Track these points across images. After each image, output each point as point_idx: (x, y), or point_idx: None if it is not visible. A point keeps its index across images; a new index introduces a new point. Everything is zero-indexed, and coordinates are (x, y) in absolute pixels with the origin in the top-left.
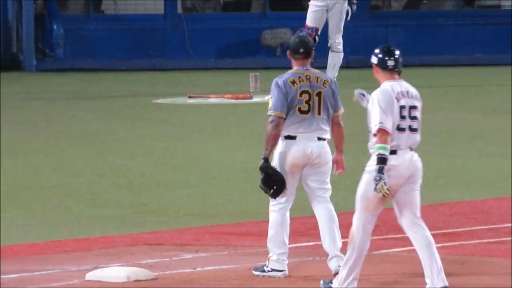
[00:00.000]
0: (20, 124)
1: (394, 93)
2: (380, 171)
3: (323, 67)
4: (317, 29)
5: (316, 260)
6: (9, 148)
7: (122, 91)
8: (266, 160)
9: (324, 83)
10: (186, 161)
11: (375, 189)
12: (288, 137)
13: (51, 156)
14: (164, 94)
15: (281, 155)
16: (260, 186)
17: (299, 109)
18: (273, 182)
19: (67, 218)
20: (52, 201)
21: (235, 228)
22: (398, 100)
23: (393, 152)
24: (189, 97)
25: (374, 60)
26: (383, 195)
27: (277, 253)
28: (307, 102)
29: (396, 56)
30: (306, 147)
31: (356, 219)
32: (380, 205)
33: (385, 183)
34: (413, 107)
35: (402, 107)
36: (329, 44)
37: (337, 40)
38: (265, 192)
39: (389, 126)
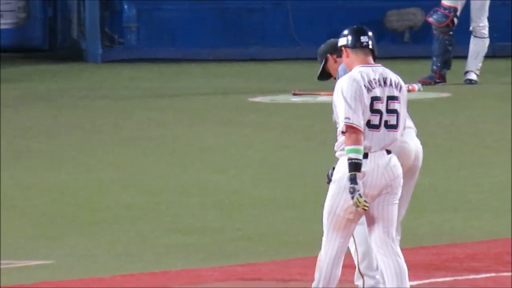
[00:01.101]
0: (82, 129)
1: (363, 80)
2: (353, 180)
3: (464, 56)
4: (455, 9)
5: None
6: (68, 159)
7: (210, 87)
8: None
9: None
10: (290, 175)
11: (354, 203)
12: None
13: (120, 170)
14: (263, 90)
15: None
16: None
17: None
18: None
19: (141, 246)
20: (122, 225)
21: (350, 259)
22: (369, 89)
23: (363, 155)
24: (294, 94)
25: (342, 41)
26: (363, 209)
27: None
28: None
29: (370, 35)
30: None
31: (324, 242)
32: (352, 223)
33: (360, 195)
34: (391, 98)
35: (374, 99)
36: (471, 28)
37: (481, 24)
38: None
39: (359, 122)
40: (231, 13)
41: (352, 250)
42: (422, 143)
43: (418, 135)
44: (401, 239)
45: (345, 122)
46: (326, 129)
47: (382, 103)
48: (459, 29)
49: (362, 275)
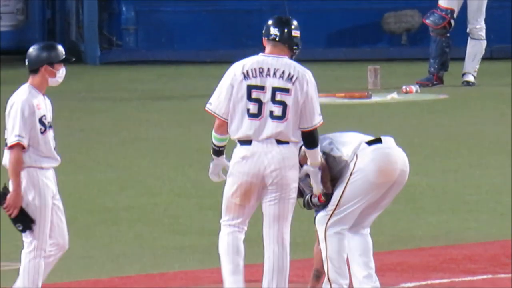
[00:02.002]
0: (81, 131)
1: (243, 68)
2: (212, 161)
3: (461, 58)
4: (452, 11)
5: None
6: (67, 160)
7: (208, 89)
8: None
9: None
10: None
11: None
12: None
13: (119, 171)
14: None
15: None
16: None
17: None
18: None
19: (139, 248)
20: (120, 226)
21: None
22: (246, 77)
23: (246, 142)
24: None
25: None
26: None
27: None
28: None
29: (287, 28)
30: None
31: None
32: (240, 207)
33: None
34: (279, 90)
35: (251, 87)
36: (468, 30)
37: (478, 26)
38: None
39: (219, 109)
40: (229, 14)
41: (324, 256)
42: (420, 145)
43: (417, 136)
44: (399, 240)
45: (206, 107)
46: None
47: (264, 92)
48: (456, 31)
49: (330, 282)
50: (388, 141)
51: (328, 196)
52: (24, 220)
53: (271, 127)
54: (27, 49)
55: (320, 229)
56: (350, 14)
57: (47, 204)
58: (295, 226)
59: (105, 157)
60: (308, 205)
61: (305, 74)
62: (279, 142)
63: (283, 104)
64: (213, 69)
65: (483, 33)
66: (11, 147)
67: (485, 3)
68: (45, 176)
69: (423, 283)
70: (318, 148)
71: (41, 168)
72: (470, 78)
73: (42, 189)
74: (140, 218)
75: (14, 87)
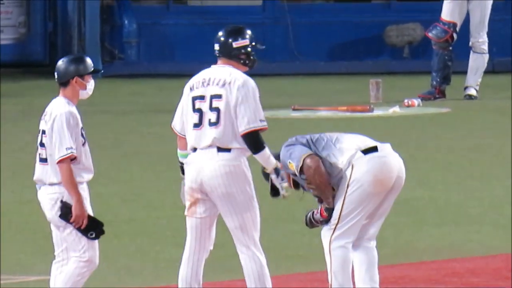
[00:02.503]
0: None
1: (191, 82)
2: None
3: (464, 71)
4: (455, 25)
5: None
6: None
7: None
8: None
9: None
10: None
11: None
12: None
13: (121, 184)
14: (263, 105)
15: None
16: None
17: None
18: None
19: (141, 261)
20: (122, 240)
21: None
22: (191, 89)
23: (193, 151)
24: (294, 109)
25: None
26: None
27: None
28: None
29: (224, 42)
30: None
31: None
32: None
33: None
34: (214, 97)
35: (195, 98)
36: (470, 44)
37: (480, 39)
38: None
39: (176, 125)
40: None
41: (328, 270)
42: (422, 158)
43: (419, 149)
44: (401, 253)
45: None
46: None
47: (204, 102)
48: (459, 45)
49: None
50: (384, 148)
51: (330, 211)
52: (96, 227)
53: (209, 134)
54: (29, 62)
55: (325, 243)
56: (352, 27)
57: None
58: (297, 239)
59: (106, 170)
60: (311, 223)
61: (238, 79)
62: (219, 149)
63: (217, 110)
64: None
65: (485, 47)
66: (62, 161)
67: (487, 16)
68: (83, 189)
69: None
70: (264, 152)
71: (81, 182)
72: (472, 91)
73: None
74: (142, 231)
75: (16, 100)
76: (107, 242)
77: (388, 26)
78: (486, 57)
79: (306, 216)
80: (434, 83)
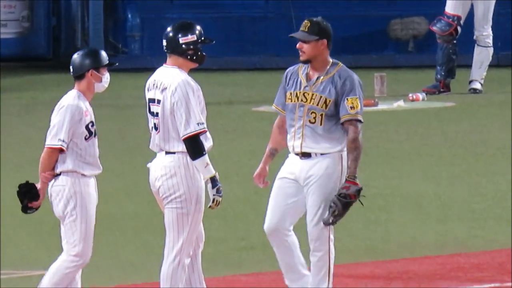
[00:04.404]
0: None
1: (147, 82)
2: None
3: (468, 65)
4: (459, 18)
5: None
6: None
7: (214, 96)
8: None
9: None
10: None
11: None
12: None
13: (124, 178)
14: (266, 100)
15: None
16: (337, 215)
17: None
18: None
19: (145, 256)
20: (127, 235)
21: (356, 269)
22: (148, 90)
23: None
24: None
25: None
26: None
27: None
28: None
29: (172, 37)
30: None
31: None
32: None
33: None
34: (154, 101)
35: (149, 101)
36: (475, 37)
37: (484, 33)
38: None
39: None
40: (234, 22)
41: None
42: (427, 152)
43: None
44: (405, 248)
45: None
46: None
47: (153, 105)
48: (463, 38)
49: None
50: None
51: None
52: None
53: (155, 138)
54: (32, 57)
55: (324, 240)
56: (356, 21)
57: (88, 212)
58: (302, 234)
59: (110, 164)
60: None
61: (173, 84)
62: (167, 152)
63: (158, 115)
64: (218, 76)
65: (490, 40)
66: (49, 148)
67: (491, 10)
68: (87, 184)
69: None
70: (201, 159)
71: (83, 175)
72: (477, 85)
73: (84, 197)
74: (147, 226)
75: (19, 94)
76: (111, 237)
77: (393, 20)
78: (491, 50)
79: (328, 219)
80: (439, 77)
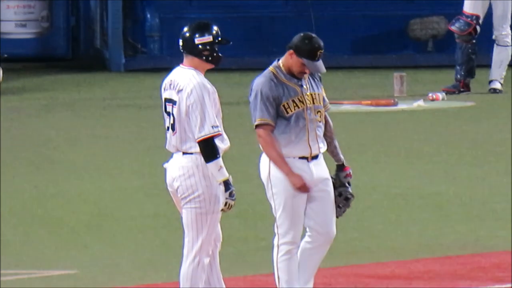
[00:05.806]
0: (106, 138)
1: (164, 82)
2: None
3: (488, 64)
4: (478, 17)
5: None
6: (91, 168)
7: (233, 96)
8: None
9: None
10: None
11: None
12: None
13: (144, 179)
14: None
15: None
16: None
17: None
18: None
19: (165, 256)
20: (146, 234)
21: (376, 268)
22: (164, 90)
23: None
24: None
25: None
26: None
27: None
28: None
29: (188, 37)
30: None
31: None
32: None
33: None
34: (169, 101)
35: (166, 101)
36: (494, 37)
37: (504, 32)
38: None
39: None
40: (254, 21)
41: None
42: (446, 152)
43: (444, 144)
44: (426, 248)
45: None
46: (348, 138)
47: (169, 105)
48: (483, 37)
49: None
50: None
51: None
52: None
53: (172, 139)
54: (52, 57)
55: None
56: (375, 21)
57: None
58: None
59: (130, 164)
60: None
61: (188, 86)
62: (184, 153)
63: (173, 116)
64: (238, 77)
65: (509, 40)
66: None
67: (510, 9)
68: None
69: None
70: (215, 162)
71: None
72: (497, 85)
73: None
74: (166, 226)
75: (39, 94)
76: (131, 237)
77: (412, 20)
78: (510, 49)
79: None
80: (459, 76)
